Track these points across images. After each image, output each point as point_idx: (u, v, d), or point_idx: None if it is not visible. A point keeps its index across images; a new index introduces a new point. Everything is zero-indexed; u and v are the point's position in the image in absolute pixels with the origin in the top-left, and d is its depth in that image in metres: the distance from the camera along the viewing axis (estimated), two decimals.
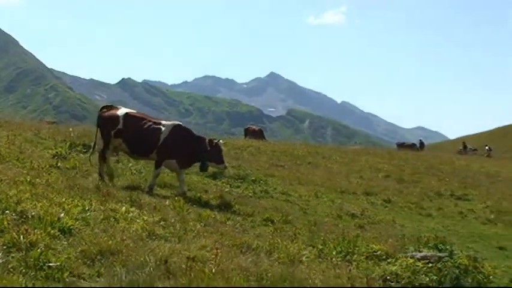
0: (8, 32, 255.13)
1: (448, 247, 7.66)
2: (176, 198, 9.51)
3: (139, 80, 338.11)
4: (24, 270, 4.63)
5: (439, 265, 6.74)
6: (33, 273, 4.61)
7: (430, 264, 6.76)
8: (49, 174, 9.41)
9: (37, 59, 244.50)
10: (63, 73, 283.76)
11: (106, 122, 10.81)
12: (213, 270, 5.14)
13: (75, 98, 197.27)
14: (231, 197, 11.04)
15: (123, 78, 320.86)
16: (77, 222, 6.15)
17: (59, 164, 10.75)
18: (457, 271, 6.63)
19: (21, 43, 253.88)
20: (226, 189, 12.29)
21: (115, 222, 6.71)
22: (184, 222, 7.50)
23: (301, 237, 8.41)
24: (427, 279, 6.50)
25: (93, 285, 4.63)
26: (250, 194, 12.45)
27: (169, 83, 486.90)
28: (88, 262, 5.14)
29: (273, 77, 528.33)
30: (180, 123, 11.09)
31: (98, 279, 4.78)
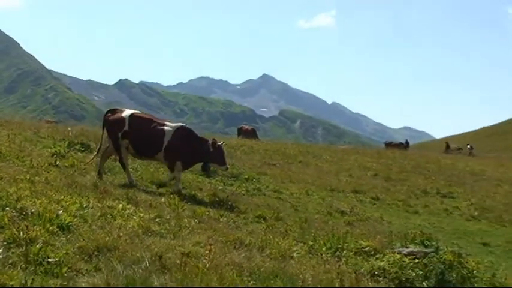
0: (9, 35, 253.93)
1: (433, 243, 7.80)
2: (172, 195, 9.58)
3: (136, 81, 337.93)
4: (24, 266, 4.66)
5: (425, 261, 6.88)
6: (32, 269, 4.65)
7: (417, 260, 6.91)
8: (48, 172, 9.47)
9: (37, 61, 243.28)
10: (63, 74, 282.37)
11: (112, 125, 10.86)
12: (207, 266, 5.19)
13: (74, 98, 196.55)
14: (225, 194, 11.09)
15: (120, 79, 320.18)
16: (75, 219, 6.17)
17: (57, 163, 10.79)
18: (442, 266, 6.75)
19: (22, 45, 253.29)
20: (220, 187, 12.35)
21: (112, 219, 6.72)
22: (179, 219, 7.55)
23: (292, 233, 8.52)
24: (414, 274, 6.65)
25: (90, 281, 4.67)
26: (243, 192, 12.54)
27: (165, 84, 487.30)
28: (86, 258, 5.17)
29: (266, 79, 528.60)
30: (184, 125, 11.14)
31: (95, 274, 4.81)
